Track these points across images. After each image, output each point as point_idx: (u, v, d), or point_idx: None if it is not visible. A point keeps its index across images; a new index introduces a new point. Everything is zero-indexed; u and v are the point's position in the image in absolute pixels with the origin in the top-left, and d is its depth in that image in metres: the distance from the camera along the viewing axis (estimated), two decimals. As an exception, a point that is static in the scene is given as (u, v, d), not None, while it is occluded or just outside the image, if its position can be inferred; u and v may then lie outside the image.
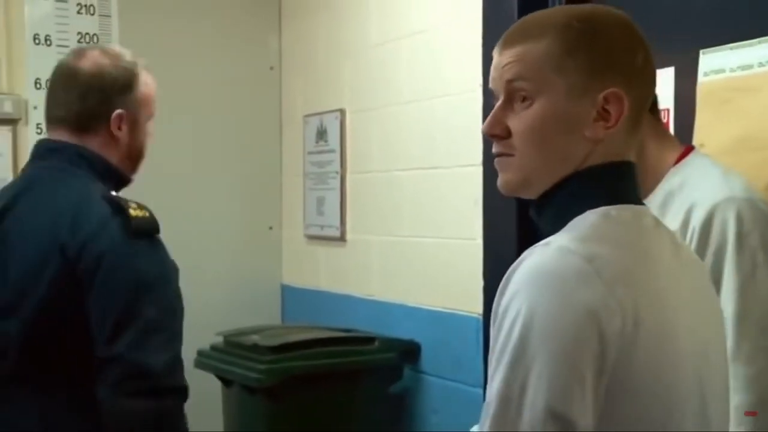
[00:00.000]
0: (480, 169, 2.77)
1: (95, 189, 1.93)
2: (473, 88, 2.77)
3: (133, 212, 1.90)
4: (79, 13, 3.54)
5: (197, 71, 3.79)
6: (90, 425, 1.79)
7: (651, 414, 1.26)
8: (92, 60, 2.04)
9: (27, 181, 2.01)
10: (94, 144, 1.99)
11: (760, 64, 1.97)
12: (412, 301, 3.11)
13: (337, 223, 3.53)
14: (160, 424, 1.84)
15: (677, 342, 1.28)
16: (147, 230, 1.97)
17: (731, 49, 2.02)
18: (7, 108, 3.34)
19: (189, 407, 3.34)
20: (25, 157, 2.37)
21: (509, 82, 1.38)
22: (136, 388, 1.78)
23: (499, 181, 1.43)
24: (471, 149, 2.79)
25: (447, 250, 2.96)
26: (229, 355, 3.12)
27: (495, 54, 1.43)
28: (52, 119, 2.05)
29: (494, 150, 1.43)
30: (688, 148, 1.90)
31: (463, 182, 2.85)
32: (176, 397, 1.89)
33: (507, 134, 1.39)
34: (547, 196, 1.40)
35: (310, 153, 3.71)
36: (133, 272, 1.87)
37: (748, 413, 1.53)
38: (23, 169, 2.10)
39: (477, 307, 2.75)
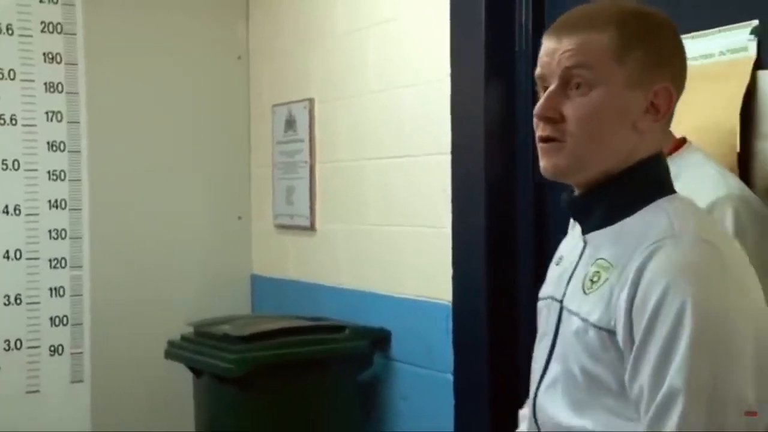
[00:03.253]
0: (449, 158, 2.78)
1: None
2: (441, 77, 2.78)
3: None
4: (41, 2, 3.49)
5: (163, 61, 3.81)
6: None
7: None
8: None
9: None
10: None
11: (721, 53, 1.98)
12: (382, 289, 3.12)
13: (307, 212, 3.55)
14: None
15: None
16: None
17: (692, 38, 1.99)
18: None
19: (160, 397, 3.42)
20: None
21: (568, 68, 1.43)
22: None
23: (546, 165, 1.48)
24: (440, 138, 2.81)
25: (416, 238, 2.97)
26: (200, 345, 3.13)
27: (550, 41, 1.48)
28: None
29: (542, 133, 1.47)
30: (682, 140, 1.91)
31: (432, 171, 2.87)
32: None
33: (561, 119, 1.45)
34: (603, 186, 1.47)
35: (279, 143, 3.73)
36: None
37: (748, 413, 1.43)
38: None
39: (447, 295, 2.77)
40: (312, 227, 3.53)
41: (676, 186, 1.72)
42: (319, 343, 3.07)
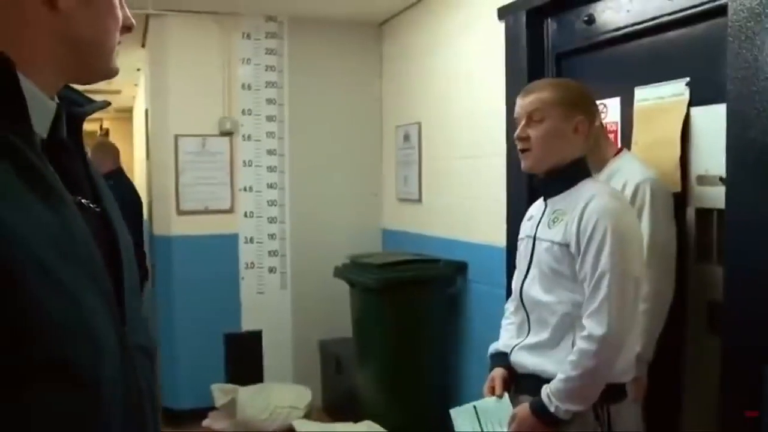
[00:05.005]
0: (504, 157, 2.69)
1: None
2: (499, 108, 2.74)
3: None
4: (266, 71, 3.69)
5: (332, 101, 3.83)
6: None
7: None
8: None
9: None
10: None
11: (669, 96, 1.99)
12: (462, 236, 3.10)
13: (416, 191, 3.54)
14: None
15: None
16: None
17: (653, 87, 2.04)
18: None
19: (331, 302, 3.58)
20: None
21: (530, 112, 1.62)
22: None
23: (524, 165, 1.65)
24: (498, 144, 2.74)
25: (483, 205, 2.92)
26: (354, 269, 3.21)
27: (520, 98, 1.66)
28: None
29: (520, 147, 1.64)
30: (621, 148, 1.98)
31: (494, 165, 2.78)
32: None
33: (528, 138, 1.62)
34: (555, 173, 1.62)
35: (399, 149, 3.72)
36: None
37: (749, 414, 1.53)
38: None
39: (502, 241, 2.74)
40: (420, 200, 3.53)
41: (619, 173, 1.84)
42: (424, 269, 3.08)
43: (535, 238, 1.66)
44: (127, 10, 0.79)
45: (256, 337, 3.69)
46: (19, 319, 0.58)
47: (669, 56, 2.04)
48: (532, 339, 1.63)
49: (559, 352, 1.56)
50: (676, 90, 1.97)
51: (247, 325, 3.69)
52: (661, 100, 2.02)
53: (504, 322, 1.81)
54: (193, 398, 3.42)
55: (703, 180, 1.90)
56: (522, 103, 1.64)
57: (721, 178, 1.78)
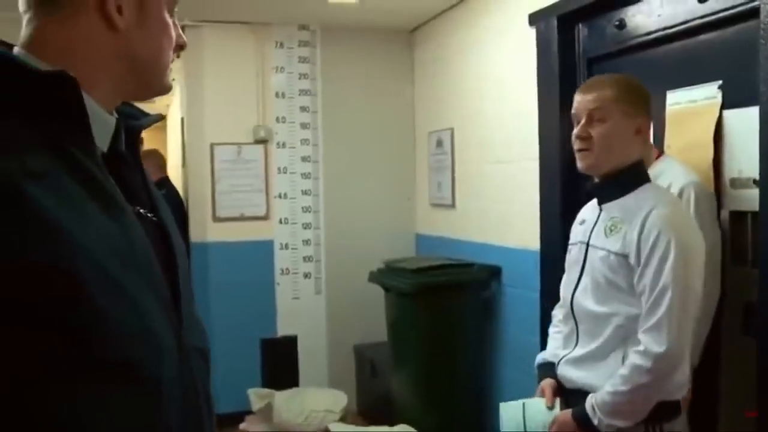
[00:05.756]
0: (537, 162, 2.70)
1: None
2: (530, 112, 2.75)
3: None
4: (299, 78, 3.75)
5: (367, 107, 3.88)
6: None
7: None
8: None
9: None
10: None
11: (702, 99, 1.98)
12: (496, 241, 3.10)
13: (450, 196, 3.55)
14: None
15: None
16: None
17: (685, 90, 2.04)
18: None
19: (366, 307, 3.62)
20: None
21: (590, 110, 1.53)
22: None
23: (581, 165, 1.57)
24: (532, 150, 2.74)
25: (517, 210, 2.91)
26: (388, 273, 3.23)
27: (578, 95, 1.58)
28: None
29: (578, 147, 1.55)
30: (662, 151, 1.99)
31: (527, 170, 2.77)
32: None
33: (588, 137, 1.54)
34: (612, 177, 1.54)
35: (432, 155, 3.73)
36: None
37: (749, 414, 1.53)
38: None
39: (536, 245, 2.74)
40: (453, 205, 3.53)
41: (663, 177, 1.80)
42: (458, 274, 3.08)
43: (588, 245, 1.59)
44: (180, 29, 0.84)
45: (291, 342, 3.75)
46: (84, 322, 0.63)
47: (701, 59, 2.04)
48: (579, 351, 1.58)
49: (606, 366, 1.50)
50: (709, 93, 1.97)
51: (283, 330, 3.76)
52: (694, 103, 2.03)
53: (551, 330, 1.76)
54: (230, 402, 3.46)
55: (736, 183, 1.90)
56: (582, 99, 1.55)
57: (754, 181, 1.80)
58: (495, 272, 3.11)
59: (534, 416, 1.60)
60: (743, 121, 1.85)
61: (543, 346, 2.67)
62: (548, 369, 1.68)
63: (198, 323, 0.86)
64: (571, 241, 1.70)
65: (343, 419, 3.41)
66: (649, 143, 1.92)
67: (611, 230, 1.53)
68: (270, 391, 3.49)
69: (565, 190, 2.64)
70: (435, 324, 3.04)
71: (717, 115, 1.93)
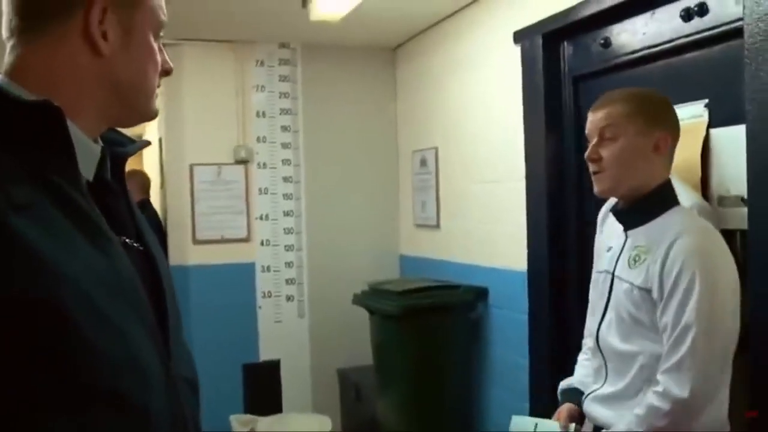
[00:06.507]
0: (524, 183, 2.70)
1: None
2: (518, 132, 2.74)
3: None
4: (279, 98, 3.72)
5: (348, 126, 3.86)
6: None
7: None
8: None
9: None
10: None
11: (688, 118, 1.95)
12: (482, 262, 3.10)
13: (434, 216, 3.55)
14: None
15: None
16: None
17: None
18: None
19: (350, 330, 3.58)
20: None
21: (602, 128, 1.46)
22: None
23: (597, 188, 1.49)
24: (517, 170, 2.74)
25: (503, 231, 2.91)
26: (373, 296, 3.21)
27: (591, 114, 1.50)
28: None
29: (592, 169, 1.48)
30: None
31: (513, 190, 2.78)
32: None
33: (600, 158, 1.46)
34: (637, 201, 1.45)
35: (416, 174, 3.74)
36: None
37: (749, 414, 1.45)
38: None
39: (523, 266, 2.74)
40: (438, 225, 3.53)
41: None
42: (444, 296, 3.07)
43: (614, 276, 1.51)
44: (166, 55, 0.84)
45: (274, 366, 3.72)
46: (71, 353, 0.64)
47: (686, 78, 2.04)
48: (607, 389, 1.51)
49: (634, 406, 1.42)
50: (695, 112, 1.97)
51: (265, 354, 3.72)
52: (681, 121, 1.96)
53: (580, 357, 1.69)
54: (212, 429, 3.42)
55: (724, 201, 1.89)
56: (593, 119, 1.49)
57: (742, 199, 1.79)
58: (481, 294, 3.09)
59: None
60: (730, 139, 1.85)
61: (532, 367, 2.76)
62: (572, 395, 1.62)
63: (187, 353, 0.86)
64: (597, 268, 1.62)
65: (328, 445, 3.38)
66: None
67: (635, 261, 1.46)
68: (253, 417, 3.45)
69: (552, 209, 2.64)
70: (421, 346, 3.03)
71: (704, 133, 1.93)
